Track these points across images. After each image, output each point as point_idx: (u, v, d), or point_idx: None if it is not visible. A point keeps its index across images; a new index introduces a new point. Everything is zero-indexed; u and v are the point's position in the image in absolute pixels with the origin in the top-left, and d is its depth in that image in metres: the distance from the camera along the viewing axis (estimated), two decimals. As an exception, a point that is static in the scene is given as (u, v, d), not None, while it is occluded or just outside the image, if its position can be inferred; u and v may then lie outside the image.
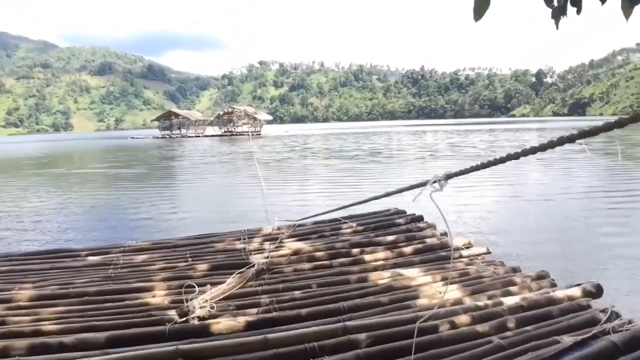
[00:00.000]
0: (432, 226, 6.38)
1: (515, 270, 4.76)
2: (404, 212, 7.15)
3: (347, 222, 6.62)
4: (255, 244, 5.95)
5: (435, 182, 2.33)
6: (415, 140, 43.90)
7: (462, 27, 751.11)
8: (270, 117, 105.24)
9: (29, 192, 16.86)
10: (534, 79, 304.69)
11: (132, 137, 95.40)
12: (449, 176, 2.33)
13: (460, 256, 5.28)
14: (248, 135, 69.89)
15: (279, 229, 6.51)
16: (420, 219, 6.74)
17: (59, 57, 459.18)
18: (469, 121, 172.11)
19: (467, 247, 5.56)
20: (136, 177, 21.94)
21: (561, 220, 9.53)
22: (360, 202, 3.95)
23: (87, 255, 5.76)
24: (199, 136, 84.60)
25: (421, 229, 6.22)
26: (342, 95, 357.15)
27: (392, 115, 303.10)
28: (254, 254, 5.48)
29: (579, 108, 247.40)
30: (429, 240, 5.77)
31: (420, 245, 5.52)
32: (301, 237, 6.16)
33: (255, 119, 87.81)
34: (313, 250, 5.45)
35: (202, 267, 5.05)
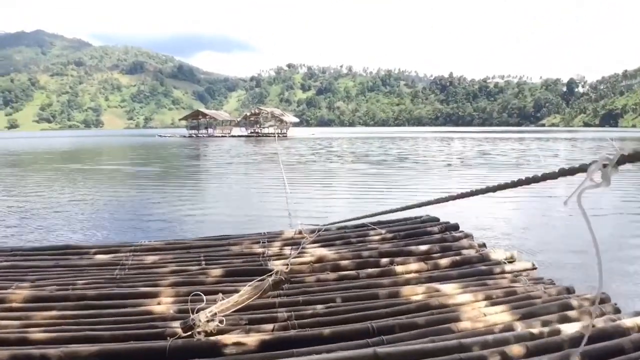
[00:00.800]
0: (469, 236, 5.79)
1: (569, 290, 4.17)
2: (437, 219, 6.59)
3: (375, 229, 6.08)
4: (275, 248, 5.46)
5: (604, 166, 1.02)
6: (444, 147, 42.99)
7: (492, 35, 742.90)
8: (296, 120, 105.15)
9: (43, 186, 16.72)
10: (564, 89, 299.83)
11: (160, 135, 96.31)
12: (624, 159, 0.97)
13: (503, 271, 4.71)
14: (274, 136, 69.72)
15: (301, 233, 6.02)
16: (455, 227, 6.16)
17: (92, 55, 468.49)
18: (497, 129, 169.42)
19: (510, 261, 4.99)
20: (156, 175, 21.61)
21: (609, 238, 8.83)
22: (397, 210, 3.38)
23: (95, 253, 5.34)
24: (225, 136, 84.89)
25: (457, 239, 5.65)
26: (369, 100, 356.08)
27: (419, 122, 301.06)
28: (273, 260, 4.99)
29: (611, 119, 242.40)
30: (466, 252, 5.21)
31: (457, 258, 4.94)
32: (325, 243, 5.64)
33: (281, 120, 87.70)
34: (338, 259, 4.92)
35: (216, 272, 4.57)
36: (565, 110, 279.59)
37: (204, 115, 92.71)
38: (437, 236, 5.83)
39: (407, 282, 4.35)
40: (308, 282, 4.39)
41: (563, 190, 14.63)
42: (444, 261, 4.84)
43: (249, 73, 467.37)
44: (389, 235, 5.85)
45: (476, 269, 4.68)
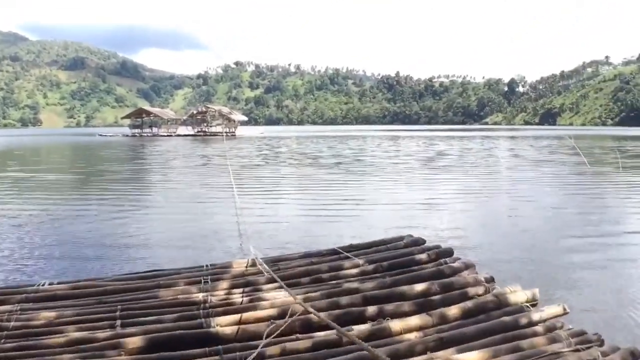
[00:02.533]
0: (470, 266, 4.55)
1: (634, 354, 3.00)
2: (423, 241, 5.33)
3: (349, 257, 4.77)
4: (220, 292, 4.04)
5: None
6: (398, 147, 42.16)
7: (437, 34, 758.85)
8: (245, 118, 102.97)
9: None
10: (506, 88, 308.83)
11: (100, 135, 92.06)
12: None
13: (530, 322, 3.49)
14: (222, 135, 67.61)
15: (254, 264, 4.64)
16: (449, 253, 4.93)
17: (29, 50, 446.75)
18: (444, 127, 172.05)
19: (533, 304, 3.79)
20: (74, 184, 18.21)
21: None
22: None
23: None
24: (171, 135, 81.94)
25: (456, 271, 4.41)
26: (317, 99, 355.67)
27: (366, 120, 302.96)
28: (217, 315, 3.57)
29: (549, 117, 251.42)
30: (472, 291, 3.96)
31: (469, 304, 3.68)
32: (288, 280, 4.27)
33: (229, 119, 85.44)
34: (306, 312, 3.54)
35: (135, 341, 3.13)
36: (507, 109, 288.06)
37: (148, 113, 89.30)
38: (430, 267, 4.58)
39: (412, 350, 3.06)
40: (270, 354, 3.02)
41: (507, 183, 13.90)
42: (452, 310, 3.57)
43: (196, 71, 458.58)
44: (369, 267, 4.54)
45: (498, 322, 3.43)
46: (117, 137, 79.22)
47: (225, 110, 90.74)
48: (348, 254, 4.84)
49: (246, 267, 4.65)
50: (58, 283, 4.35)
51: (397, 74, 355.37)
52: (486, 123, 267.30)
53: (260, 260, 4.64)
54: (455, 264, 4.52)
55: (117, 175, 20.53)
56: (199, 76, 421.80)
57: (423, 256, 4.76)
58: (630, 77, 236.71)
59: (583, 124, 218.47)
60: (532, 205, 11.96)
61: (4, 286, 4.50)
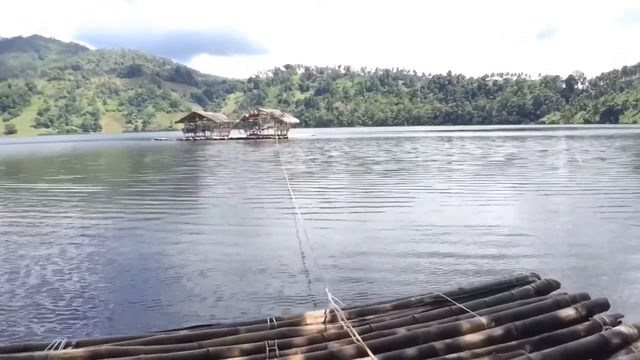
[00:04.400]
0: (619, 319, 3.18)
1: None
2: (557, 284, 3.97)
3: (465, 311, 3.48)
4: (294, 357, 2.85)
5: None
6: (460, 149, 39.78)
7: (489, 32, 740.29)
8: (296, 120, 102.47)
9: None
10: (564, 85, 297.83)
11: (156, 139, 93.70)
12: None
13: None
14: (274, 138, 67.18)
15: (333, 318, 3.42)
16: (604, 305, 3.56)
17: (89, 59, 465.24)
18: (499, 127, 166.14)
19: None
20: (120, 195, 16.13)
21: None
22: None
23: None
24: (223, 139, 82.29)
25: (626, 339, 3.05)
26: (367, 100, 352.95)
27: (417, 121, 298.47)
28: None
29: (611, 116, 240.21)
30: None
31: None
32: (385, 349, 3.03)
33: (281, 122, 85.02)
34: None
35: None
36: (565, 107, 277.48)
37: (201, 117, 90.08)
38: (583, 329, 3.23)
39: None
40: None
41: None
42: None
43: (247, 75, 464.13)
44: (499, 331, 3.23)
45: None
46: (171, 142, 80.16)
47: (277, 112, 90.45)
48: (462, 306, 3.54)
49: (324, 322, 3.44)
50: (76, 345, 3.26)
51: (449, 73, 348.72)
52: (543, 122, 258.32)
53: (342, 315, 3.41)
54: (623, 329, 3.15)
55: (164, 186, 19.05)
56: (249, 80, 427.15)
57: (570, 312, 3.41)
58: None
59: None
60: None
61: (6, 346, 3.42)
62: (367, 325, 3.31)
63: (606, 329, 3.22)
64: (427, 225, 9.48)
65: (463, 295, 3.82)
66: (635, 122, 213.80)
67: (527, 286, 3.97)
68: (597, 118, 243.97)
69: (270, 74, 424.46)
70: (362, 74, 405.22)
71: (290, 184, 13.78)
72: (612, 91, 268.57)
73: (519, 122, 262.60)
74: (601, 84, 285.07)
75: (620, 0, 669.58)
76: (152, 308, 5.50)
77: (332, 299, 3.62)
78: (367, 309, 3.64)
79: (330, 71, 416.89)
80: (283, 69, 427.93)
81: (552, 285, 3.99)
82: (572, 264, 6.80)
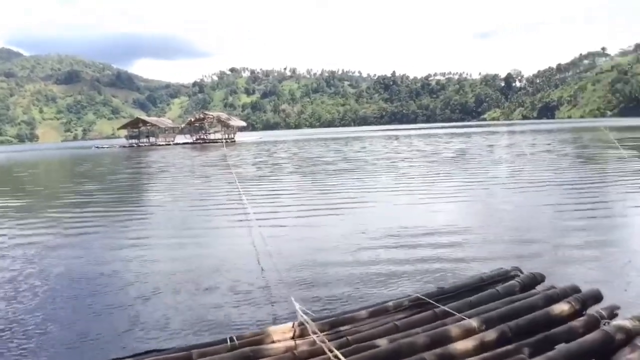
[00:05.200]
0: (615, 311, 2.90)
1: None
2: (542, 277, 3.68)
3: (451, 313, 3.11)
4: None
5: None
6: (409, 147, 40.09)
7: (432, 32, 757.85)
8: (243, 124, 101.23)
9: None
10: (503, 83, 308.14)
11: (97, 147, 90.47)
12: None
13: None
14: (221, 142, 66.00)
15: (302, 332, 2.98)
16: (597, 297, 3.28)
17: (23, 65, 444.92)
18: (443, 125, 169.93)
19: None
20: (37, 210, 14.40)
21: None
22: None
23: None
24: (169, 144, 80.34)
25: (630, 334, 2.76)
26: (314, 102, 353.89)
27: (364, 121, 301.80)
28: None
29: (547, 111, 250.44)
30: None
31: None
32: (361, 351, 2.61)
33: (228, 125, 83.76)
34: None
35: None
36: (504, 105, 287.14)
37: (145, 123, 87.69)
38: (581, 325, 2.92)
39: None
40: None
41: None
42: None
43: (191, 79, 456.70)
44: (492, 335, 2.87)
45: None
46: (113, 149, 77.58)
47: (223, 116, 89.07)
48: (446, 308, 3.17)
49: (292, 337, 2.99)
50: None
51: (393, 73, 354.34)
52: (484, 119, 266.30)
53: (313, 327, 2.98)
54: (626, 323, 2.86)
55: (102, 196, 17.49)
56: (194, 84, 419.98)
57: (564, 307, 3.10)
58: (628, 67, 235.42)
59: (582, 117, 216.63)
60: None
61: None
62: (343, 338, 2.90)
63: (605, 324, 2.93)
64: (386, 225, 9.04)
65: (444, 295, 3.47)
66: (570, 117, 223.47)
67: (512, 281, 3.66)
68: (535, 114, 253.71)
69: (216, 78, 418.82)
70: (308, 75, 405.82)
71: (241, 188, 12.96)
72: (548, 88, 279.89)
73: (462, 120, 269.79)
74: (537, 81, 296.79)
75: (553, 4, 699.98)
76: (87, 339, 4.72)
77: (300, 309, 3.17)
78: (341, 319, 3.21)
79: (276, 74, 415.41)
80: (228, 72, 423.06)
81: (537, 279, 3.70)
82: (532, 253, 6.71)
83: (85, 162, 43.11)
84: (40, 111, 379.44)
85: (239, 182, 14.39)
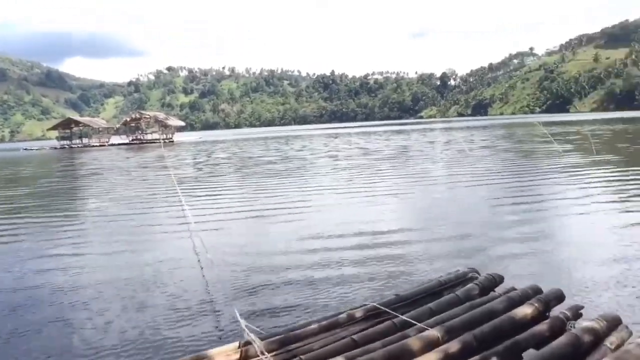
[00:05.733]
0: (614, 320, 2.77)
1: None
2: (501, 278, 3.51)
3: (411, 323, 2.87)
4: None
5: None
6: (353, 145, 40.23)
7: (370, 32, 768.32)
8: (182, 124, 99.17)
9: None
10: (438, 82, 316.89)
11: (25, 149, 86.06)
12: None
13: None
14: (159, 143, 64.14)
15: (247, 354, 2.66)
16: (559, 297, 3.15)
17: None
18: (382, 123, 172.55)
19: None
20: None
21: None
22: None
23: None
24: (103, 145, 77.51)
25: (598, 334, 2.62)
26: (253, 101, 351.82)
27: (304, 120, 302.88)
28: None
29: (481, 109, 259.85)
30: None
31: None
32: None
33: (166, 125, 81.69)
34: None
35: None
36: (440, 102, 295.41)
37: (77, 123, 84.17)
38: (546, 328, 2.76)
39: None
40: None
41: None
42: None
43: (126, 78, 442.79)
44: (456, 346, 2.65)
45: None
46: (43, 151, 74.00)
47: (161, 116, 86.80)
48: (405, 318, 2.93)
49: (239, 359, 2.66)
50: None
51: (332, 72, 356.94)
52: (421, 117, 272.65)
53: (261, 346, 2.66)
54: (593, 324, 2.71)
55: (33, 201, 16.31)
56: (129, 83, 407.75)
57: (527, 310, 2.93)
58: (554, 66, 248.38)
59: (513, 113, 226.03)
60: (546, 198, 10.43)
61: None
62: (296, 358, 2.60)
63: (571, 326, 2.79)
64: (332, 228, 8.69)
65: (402, 303, 3.23)
66: (502, 114, 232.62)
67: (471, 284, 3.48)
68: (469, 111, 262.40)
69: (152, 77, 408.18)
70: (247, 75, 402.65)
71: (180, 191, 12.16)
72: (481, 86, 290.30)
73: (400, 118, 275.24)
74: (471, 80, 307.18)
75: (486, 8, 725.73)
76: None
77: (246, 326, 2.85)
78: (291, 335, 2.89)
79: (214, 73, 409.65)
80: (165, 71, 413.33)
81: (497, 280, 3.54)
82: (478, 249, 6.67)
83: (11, 165, 40.71)
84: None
85: (177, 185, 13.63)
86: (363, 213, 10.20)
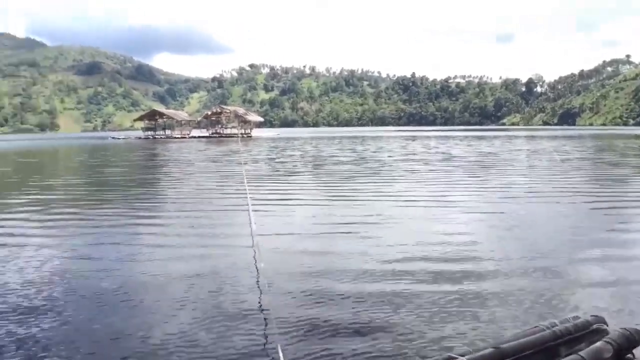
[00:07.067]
0: None
1: None
2: (635, 335, 2.59)
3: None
4: None
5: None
6: (429, 148, 38.94)
7: (453, 35, 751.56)
8: (261, 119, 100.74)
9: None
10: (524, 88, 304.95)
11: (113, 138, 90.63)
12: None
13: None
14: (237, 137, 65.28)
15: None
16: None
17: (46, 56, 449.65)
18: (462, 128, 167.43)
19: None
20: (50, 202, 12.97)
21: None
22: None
23: None
24: (185, 137, 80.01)
25: None
26: (332, 100, 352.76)
27: (382, 121, 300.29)
28: None
29: (569, 118, 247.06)
30: None
31: None
32: None
33: (245, 120, 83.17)
34: None
35: None
36: (525, 110, 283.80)
37: (161, 115, 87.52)
38: None
39: None
40: None
41: None
42: None
43: (211, 74, 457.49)
44: None
45: None
46: (128, 140, 77.43)
47: (240, 111, 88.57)
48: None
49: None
50: None
51: (413, 74, 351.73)
52: (503, 124, 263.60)
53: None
54: None
55: (105, 190, 16.60)
56: (213, 79, 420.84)
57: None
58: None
59: (603, 124, 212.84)
60: None
61: None
62: None
63: None
64: (409, 250, 7.40)
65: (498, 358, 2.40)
66: (591, 124, 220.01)
67: (600, 343, 2.58)
68: (555, 120, 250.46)
69: (235, 74, 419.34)
70: (327, 74, 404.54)
71: (249, 191, 11.28)
72: (570, 94, 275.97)
73: (481, 124, 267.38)
74: (559, 87, 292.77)
75: (575, 8, 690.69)
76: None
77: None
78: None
79: (295, 71, 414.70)
80: (248, 68, 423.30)
81: (636, 338, 2.63)
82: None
83: (99, 152, 42.59)
84: (62, 101, 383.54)
85: (247, 183, 13.16)
86: (446, 231, 8.68)
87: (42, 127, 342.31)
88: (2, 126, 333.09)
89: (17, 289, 5.86)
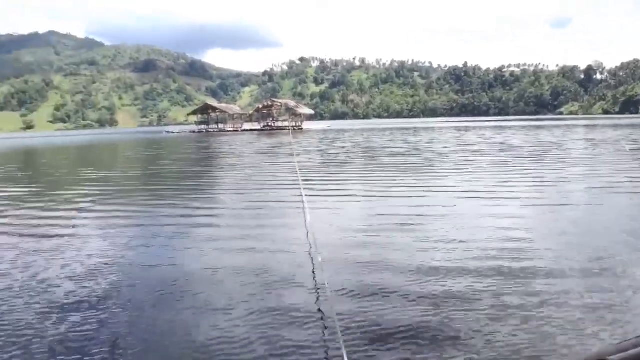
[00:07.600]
0: None
1: None
2: None
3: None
4: None
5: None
6: (484, 138, 37.84)
7: (506, 22, 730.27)
8: (311, 112, 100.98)
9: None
10: (582, 76, 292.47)
11: (167, 132, 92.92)
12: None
13: None
14: (289, 130, 65.53)
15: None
16: None
17: (105, 54, 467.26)
18: (517, 118, 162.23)
19: None
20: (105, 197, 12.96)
21: None
22: None
23: None
24: (237, 130, 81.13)
25: None
26: (383, 92, 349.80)
27: (433, 113, 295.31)
28: None
29: (631, 106, 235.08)
30: None
31: None
32: None
33: (296, 113, 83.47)
34: None
35: None
36: (584, 98, 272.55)
37: (214, 109, 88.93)
38: None
39: None
40: None
41: None
42: None
43: (261, 68, 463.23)
44: None
45: None
46: (182, 134, 79.11)
47: (291, 103, 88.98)
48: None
49: None
50: None
51: (465, 64, 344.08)
52: (561, 113, 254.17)
53: None
54: None
55: (162, 181, 17.15)
56: (264, 73, 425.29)
57: None
58: None
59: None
60: None
61: None
62: None
63: None
64: (473, 248, 6.89)
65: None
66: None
67: None
68: (617, 109, 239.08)
69: (285, 67, 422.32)
70: (377, 66, 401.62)
71: (302, 183, 11.17)
72: (632, 81, 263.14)
73: (537, 113, 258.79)
74: (621, 74, 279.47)
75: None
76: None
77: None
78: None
79: (345, 63, 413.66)
80: (298, 62, 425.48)
81: None
82: None
83: (153, 146, 43.61)
84: (120, 98, 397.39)
85: (300, 175, 13.00)
86: (512, 229, 8.03)
87: (101, 123, 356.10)
88: (65, 122, 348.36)
89: (70, 280, 5.89)
